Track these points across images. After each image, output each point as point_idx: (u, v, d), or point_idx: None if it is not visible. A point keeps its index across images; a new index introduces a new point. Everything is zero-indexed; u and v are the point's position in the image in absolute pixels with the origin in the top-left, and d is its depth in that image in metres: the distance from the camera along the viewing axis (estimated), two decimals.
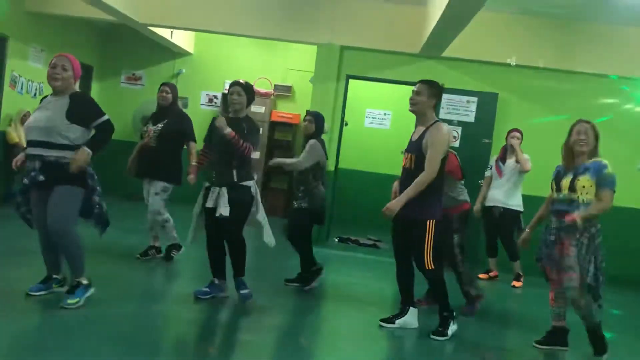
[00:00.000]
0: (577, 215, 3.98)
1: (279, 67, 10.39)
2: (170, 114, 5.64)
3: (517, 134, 6.69)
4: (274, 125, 10.28)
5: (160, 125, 5.57)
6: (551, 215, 4.26)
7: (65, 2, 8.40)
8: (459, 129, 7.90)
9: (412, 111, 4.30)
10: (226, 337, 4.16)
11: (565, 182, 4.15)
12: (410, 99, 4.27)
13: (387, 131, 10.01)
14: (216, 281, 4.70)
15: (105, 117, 4.09)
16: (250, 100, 4.63)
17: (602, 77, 7.94)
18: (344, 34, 8.15)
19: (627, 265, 7.42)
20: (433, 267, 4.23)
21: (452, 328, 4.34)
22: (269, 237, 4.77)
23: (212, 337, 4.03)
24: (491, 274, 6.85)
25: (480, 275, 6.77)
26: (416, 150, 4.20)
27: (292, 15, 8.23)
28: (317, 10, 8.19)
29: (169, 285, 5.36)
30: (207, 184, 4.65)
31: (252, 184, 4.62)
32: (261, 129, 9.99)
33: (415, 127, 4.41)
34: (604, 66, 7.83)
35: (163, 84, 5.78)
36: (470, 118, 7.93)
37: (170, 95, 5.67)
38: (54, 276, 4.22)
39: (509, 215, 6.55)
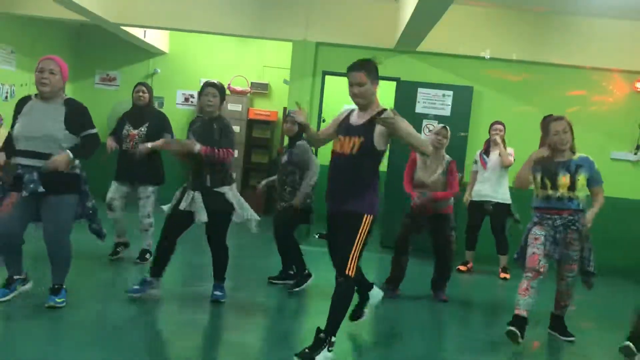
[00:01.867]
0: (589, 220, 4.32)
1: (255, 65, 10.35)
2: (150, 115, 5.58)
3: (500, 127, 6.74)
4: (251, 123, 10.23)
5: (143, 129, 5.50)
6: (542, 211, 4.32)
7: (34, 2, 8.26)
8: (435, 123, 7.95)
9: (359, 104, 3.65)
10: (212, 337, 4.14)
11: (565, 180, 4.23)
12: (353, 93, 3.60)
13: None
14: (148, 278, 4.52)
15: (95, 131, 4.07)
16: (222, 100, 4.56)
17: (574, 68, 8.05)
18: (318, 30, 8.15)
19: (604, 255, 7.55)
20: (353, 274, 3.49)
21: (326, 356, 3.48)
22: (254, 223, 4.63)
23: (198, 338, 4.00)
24: (469, 265, 6.93)
25: (460, 267, 6.83)
26: (364, 134, 3.57)
27: (266, 12, 8.20)
28: (291, 6, 8.17)
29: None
30: (185, 185, 4.59)
31: (228, 190, 4.49)
32: (239, 128, 10.01)
33: (353, 112, 3.76)
34: (577, 58, 7.93)
35: (139, 84, 5.70)
36: (446, 112, 7.98)
37: (147, 95, 5.60)
38: (16, 277, 4.13)
39: (500, 209, 6.65)
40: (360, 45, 8.13)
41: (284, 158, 5.26)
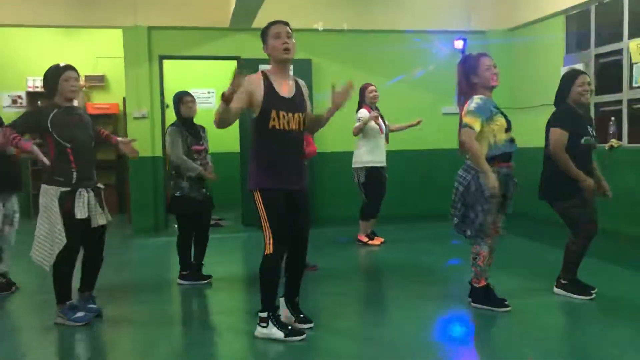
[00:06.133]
0: None
1: (88, 57, 9.78)
2: None
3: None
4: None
5: None
6: (500, 162, 4.10)
7: None
8: None
9: (287, 63, 3.62)
10: None
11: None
12: (286, 46, 3.54)
13: (213, 110, 9.91)
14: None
15: None
16: None
17: (401, 33, 8.56)
18: (149, 14, 7.89)
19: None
20: (271, 251, 3.46)
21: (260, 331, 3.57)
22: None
23: None
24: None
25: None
26: (304, 108, 3.68)
27: None
28: None
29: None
30: None
31: (42, 189, 3.89)
32: None
33: (269, 78, 3.58)
34: (402, 22, 8.47)
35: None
36: None
37: None
38: None
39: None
40: (195, 27, 8.02)
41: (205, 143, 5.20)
